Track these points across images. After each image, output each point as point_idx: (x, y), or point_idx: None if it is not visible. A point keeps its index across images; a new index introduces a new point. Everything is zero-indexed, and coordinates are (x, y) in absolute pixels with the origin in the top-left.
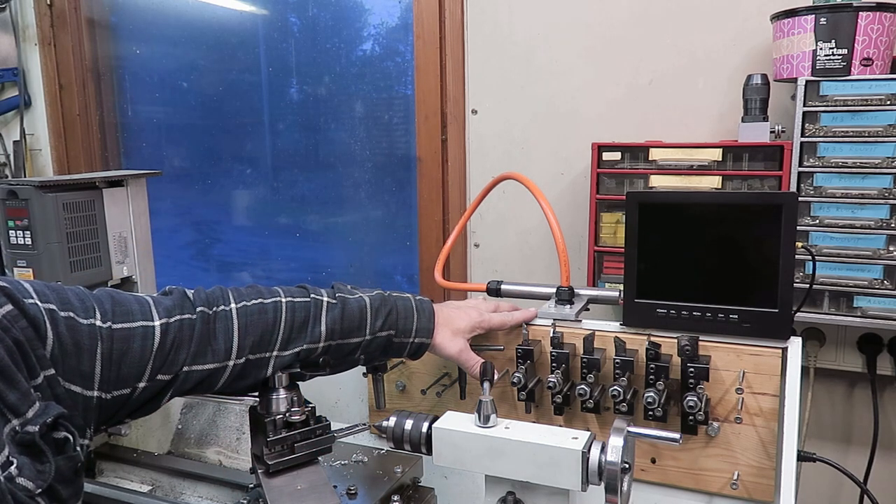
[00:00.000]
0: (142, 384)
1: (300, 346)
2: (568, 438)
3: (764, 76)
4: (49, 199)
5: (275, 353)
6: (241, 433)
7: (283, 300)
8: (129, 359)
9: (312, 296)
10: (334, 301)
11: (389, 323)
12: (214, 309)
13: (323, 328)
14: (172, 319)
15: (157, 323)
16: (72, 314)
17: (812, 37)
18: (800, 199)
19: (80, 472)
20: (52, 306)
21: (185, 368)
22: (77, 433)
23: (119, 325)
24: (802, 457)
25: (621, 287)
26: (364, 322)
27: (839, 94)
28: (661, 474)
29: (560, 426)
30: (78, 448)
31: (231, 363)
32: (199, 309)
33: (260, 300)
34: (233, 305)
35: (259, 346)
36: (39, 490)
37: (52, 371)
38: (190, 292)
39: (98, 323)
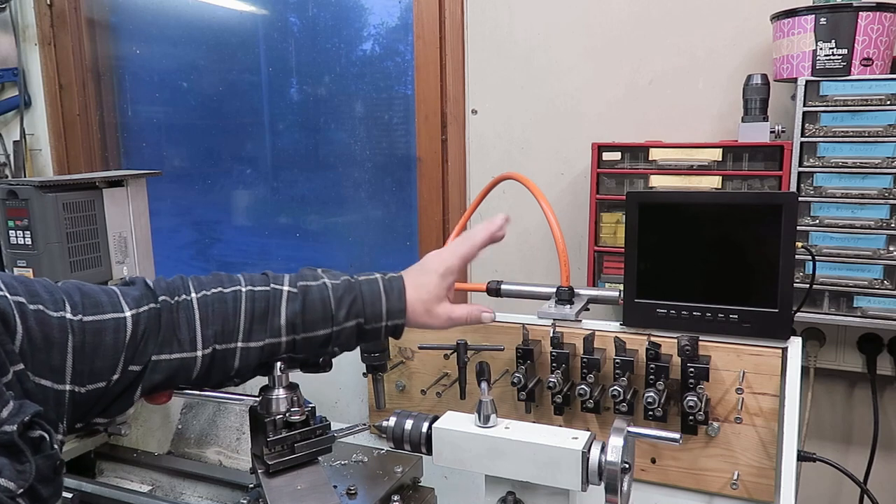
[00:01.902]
0: (115, 376)
1: (263, 340)
2: (568, 438)
3: (764, 76)
4: (49, 199)
5: (240, 344)
6: (241, 433)
7: (244, 289)
8: (103, 351)
9: (272, 285)
10: (295, 290)
11: (355, 311)
12: (176, 298)
13: (282, 321)
14: (142, 310)
15: (127, 314)
16: (41, 307)
17: (812, 37)
18: (800, 199)
19: (59, 470)
20: (22, 299)
21: (154, 358)
22: (52, 431)
23: (90, 318)
24: (802, 457)
25: (621, 287)
26: (328, 313)
27: (839, 94)
28: (661, 474)
29: (560, 426)
30: (56, 446)
31: (199, 353)
32: (161, 298)
33: (220, 289)
34: (193, 295)
35: (223, 337)
36: (21, 490)
37: (22, 366)
38: (150, 282)
39: (69, 316)
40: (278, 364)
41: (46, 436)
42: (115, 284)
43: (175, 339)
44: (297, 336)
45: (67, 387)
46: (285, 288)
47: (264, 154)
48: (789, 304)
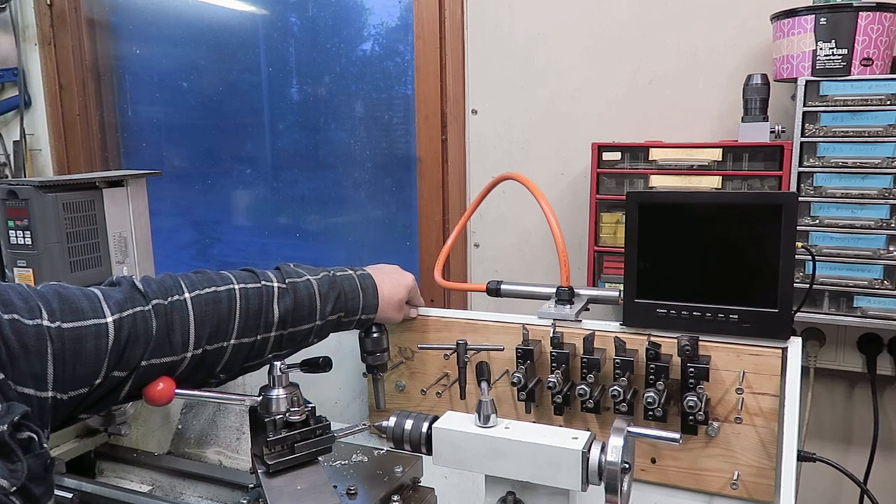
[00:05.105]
0: (98, 381)
1: (256, 336)
2: (568, 438)
3: (764, 76)
4: (49, 199)
5: (232, 342)
6: (241, 433)
7: (237, 287)
8: (84, 358)
9: (263, 282)
10: (284, 286)
11: (339, 306)
12: (170, 299)
13: (276, 317)
14: (125, 314)
15: (109, 319)
16: (16, 316)
17: (812, 37)
18: (800, 199)
19: (49, 468)
20: None
21: (144, 363)
22: (40, 431)
23: (69, 325)
24: (802, 457)
25: (621, 287)
26: (314, 309)
27: (839, 94)
28: (661, 474)
29: (560, 426)
30: (45, 445)
31: (189, 354)
32: (154, 302)
33: (213, 288)
34: (187, 295)
35: (215, 337)
36: (14, 489)
37: (2, 376)
38: (139, 282)
39: (45, 323)
40: (278, 364)
41: (35, 436)
42: (100, 285)
43: (168, 343)
44: (285, 331)
45: (49, 394)
46: (275, 284)
47: (264, 154)
48: (789, 305)
